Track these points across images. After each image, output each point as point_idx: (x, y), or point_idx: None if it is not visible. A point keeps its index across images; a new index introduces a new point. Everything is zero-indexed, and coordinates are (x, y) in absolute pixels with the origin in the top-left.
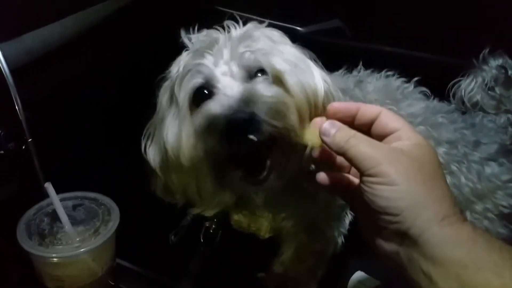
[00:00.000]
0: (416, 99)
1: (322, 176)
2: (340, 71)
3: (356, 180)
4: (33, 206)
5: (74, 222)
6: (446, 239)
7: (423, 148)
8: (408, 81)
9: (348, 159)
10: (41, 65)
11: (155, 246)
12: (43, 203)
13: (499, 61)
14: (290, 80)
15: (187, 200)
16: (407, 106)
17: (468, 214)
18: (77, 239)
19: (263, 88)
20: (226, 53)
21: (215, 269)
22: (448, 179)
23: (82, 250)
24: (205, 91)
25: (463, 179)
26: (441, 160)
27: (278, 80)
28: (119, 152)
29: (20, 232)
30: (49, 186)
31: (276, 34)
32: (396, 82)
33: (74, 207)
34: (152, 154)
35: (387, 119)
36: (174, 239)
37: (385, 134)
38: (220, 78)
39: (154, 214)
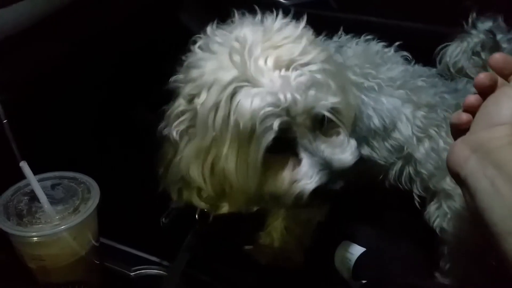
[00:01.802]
0: (396, 63)
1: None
2: (320, 37)
3: None
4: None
5: (53, 201)
6: None
7: None
8: (389, 46)
9: None
10: (14, 45)
11: (145, 226)
12: (21, 183)
13: (487, 25)
14: (345, 114)
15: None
16: (386, 71)
17: (448, 179)
18: (57, 217)
19: (348, 156)
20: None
21: (203, 243)
22: (427, 143)
23: (61, 227)
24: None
25: (441, 144)
26: (419, 123)
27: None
28: (109, 133)
29: None
30: (24, 165)
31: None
32: (376, 46)
33: (53, 186)
34: (195, 172)
35: None
36: (166, 221)
37: None
38: (299, 135)
39: (146, 195)
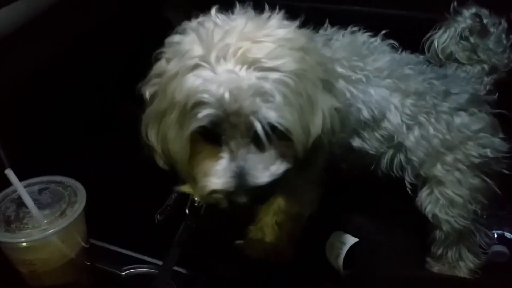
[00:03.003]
0: (382, 53)
1: None
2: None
3: None
4: None
5: (40, 206)
6: None
7: None
8: (375, 35)
9: None
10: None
11: (135, 226)
12: (8, 190)
13: (473, 10)
14: (296, 133)
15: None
16: (373, 61)
17: (439, 166)
18: (44, 222)
19: (263, 175)
20: (237, 91)
21: (194, 240)
22: (416, 130)
23: (49, 232)
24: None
25: (431, 130)
26: (408, 111)
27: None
28: (97, 134)
29: None
30: (9, 172)
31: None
32: (362, 37)
33: (40, 191)
34: (154, 142)
35: None
36: (160, 218)
37: None
38: (227, 135)
39: (135, 195)
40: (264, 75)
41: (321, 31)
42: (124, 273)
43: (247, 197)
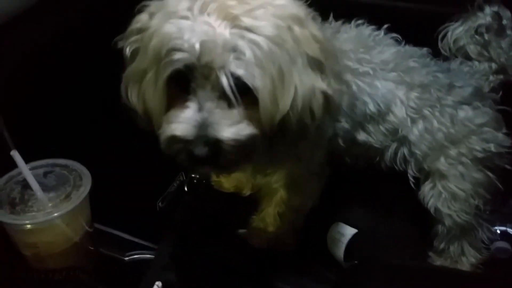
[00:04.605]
0: (387, 45)
1: None
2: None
3: None
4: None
5: (45, 189)
6: None
7: None
8: (378, 28)
9: None
10: (2, 33)
11: (138, 212)
12: (14, 172)
13: (495, 8)
14: (262, 98)
15: None
16: (378, 53)
17: (442, 159)
18: (49, 205)
19: (226, 129)
20: (213, 33)
21: (197, 227)
22: (421, 124)
23: (54, 215)
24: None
25: (435, 124)
26: (413, 105)
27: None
28: (102, 120)
29: None
30: (15, 154)
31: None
32: (367, 30)
33: (45, 174)
34: (135, 101)
35: None
36: (162, 205)
37: None
38: (197, 84)
39: (139, 181)
40: (240, 33)
41: (327, 25)
42: (127, 258)
43: (206, 150)
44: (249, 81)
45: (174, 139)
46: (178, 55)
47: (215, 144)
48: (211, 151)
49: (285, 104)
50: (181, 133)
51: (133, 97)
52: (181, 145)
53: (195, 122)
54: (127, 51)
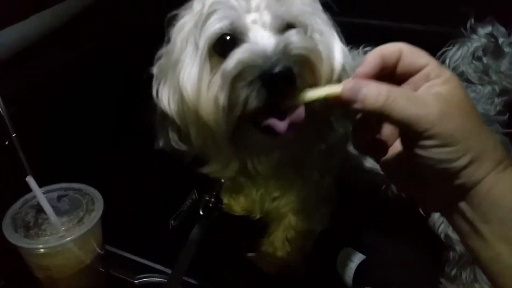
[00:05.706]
0: None
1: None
2: None
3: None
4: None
5: (59, 212)
6: (507, 184)
7: (453, 83)
8: None
9: (391, 122)
10: (21, 59)
11: (149, 235)
12: (28, 196)
13: (488, 29)
14: (320, 40)
15: (200, 152)
16: None
17: None
18: (62, 229)
19: (298, 40)
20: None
21: (206, 249)
22: None
23: (67, 239)
24: (228, 37)
25: None
26: None
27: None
28: (113, 143)
29: (6, 226)
30: (30, 179)
31: None
32: None
33: (59, 198)
34: (166, 98)
35: (413, 56)
36: (174, 223)
37: (412, 73)
38: (250, 26)
39: (153, 202)
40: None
41: None
42: (137, 281)
43: (284, 66)
44: (302, 21)
45: (246, 64)
46: (221, 13)
47: (290, 56)
48: (287, 68)
49: (337, 61)
50: (259, 50)
51: (164, 95)
52: (255, 70)
53: (268, 41)
54: (155, 70)
